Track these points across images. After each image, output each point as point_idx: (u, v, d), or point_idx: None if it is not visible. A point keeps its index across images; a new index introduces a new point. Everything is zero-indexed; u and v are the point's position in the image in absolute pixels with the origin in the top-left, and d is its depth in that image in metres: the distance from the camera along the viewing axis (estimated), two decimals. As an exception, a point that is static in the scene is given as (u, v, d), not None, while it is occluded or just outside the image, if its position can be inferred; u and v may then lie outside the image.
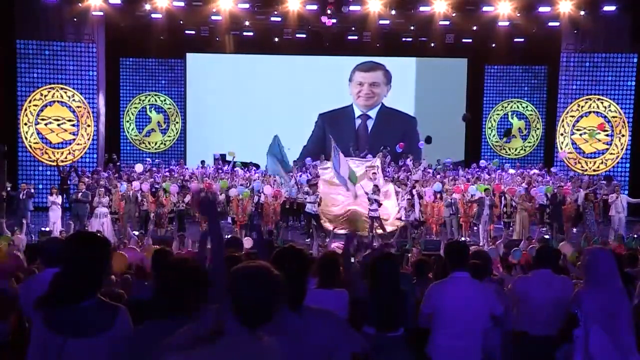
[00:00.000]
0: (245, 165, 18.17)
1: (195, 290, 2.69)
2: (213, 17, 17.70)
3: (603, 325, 3.83)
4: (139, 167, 15.61)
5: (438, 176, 16.78)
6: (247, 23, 18.69)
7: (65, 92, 17.78)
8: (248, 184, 15.78)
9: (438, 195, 14.52)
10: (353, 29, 18.27)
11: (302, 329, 2.71)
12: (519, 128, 21.48)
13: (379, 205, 14.05)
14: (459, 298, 4.02)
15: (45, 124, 17.73)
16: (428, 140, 17.96)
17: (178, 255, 6.56)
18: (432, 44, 19.47)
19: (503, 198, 14.68)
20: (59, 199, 14.13)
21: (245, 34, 19.21)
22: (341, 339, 2.83)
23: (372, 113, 21.17)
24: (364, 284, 4.13)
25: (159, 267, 3.91)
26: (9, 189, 14.90)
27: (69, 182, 15.86)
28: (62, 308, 2.64)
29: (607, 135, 18.55)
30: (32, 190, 14.62)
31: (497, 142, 21.48)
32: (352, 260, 5.74)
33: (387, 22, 17.69)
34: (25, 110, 17.60)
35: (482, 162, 18.89)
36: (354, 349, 2.91)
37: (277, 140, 15.03)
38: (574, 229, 15.21)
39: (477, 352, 4.06)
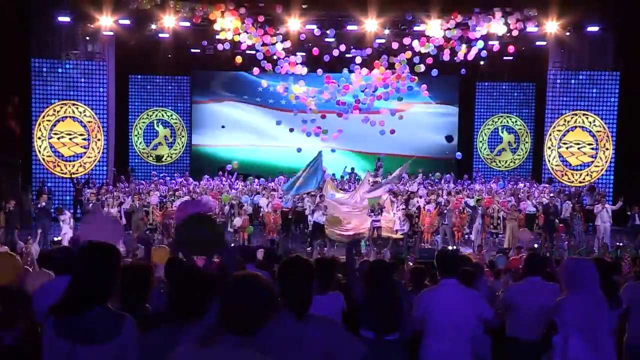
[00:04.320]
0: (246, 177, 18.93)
1: (205, 297, 2.82)
2: (217, 36, 18.33)
3: (584, 332, 3.90)
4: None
5: (430, 187, 17.48)
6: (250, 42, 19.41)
7: (77, 108, 18.35)
8: (250, 195, 16.63)
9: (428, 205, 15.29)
10: (352, 47, 18.97)
11: (305, 336, 2.77)
12: (509, 142, 22.25)
13: (381, 215, 14.63)
14: (447, 303, 4.16)
15: (58, 138, 18.29)
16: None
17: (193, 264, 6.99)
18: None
19: (491, 209, 15.44)
20: (67, 215, 14.39)
21: (248, 52, 19.90)
22: (342, 346, 2.86)
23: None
24: (361, 289, 4.33)
25: (174, 275, 4.04)
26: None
27: (82, 195, 16.42)
28: (72, 315, 2.68)
29: (592, 148, 19.16)
30: (44, 204, 15.01)
31: (488, 155, 22.25)
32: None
33: (383, 40, 18.39)
34: (39, 125, 18.15)
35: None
36: (354, 356, 2.91)
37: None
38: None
39: (467, 356, 4.17)
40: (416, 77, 17.67)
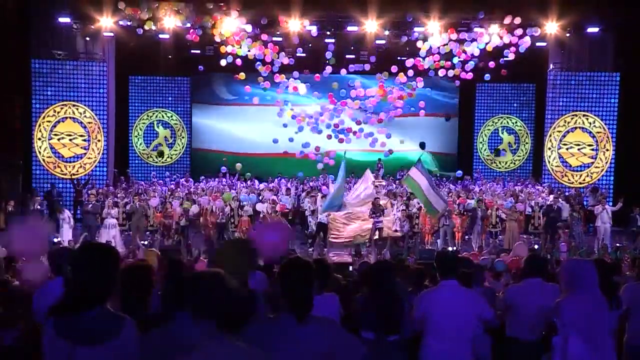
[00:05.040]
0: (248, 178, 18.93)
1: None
2: (217, 38, 18.40)
3: (584, 333, 3.92)
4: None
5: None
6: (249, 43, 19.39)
7: (77, 109, 18.33)
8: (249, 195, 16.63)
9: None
10: (352, 48, 19.03)
11: (305, 336, 2.77)
12: (509, 142, 22.28)
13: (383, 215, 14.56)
14: (447, 304, 4.16)
15: (58, 139, 18.28)
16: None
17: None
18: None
19: (490, 210, 15.42)
20: (66, 214, 14.40)
21: (248, 53, 19.87)
22: (342, 347, 2.87)
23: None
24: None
25: (174, 277, 3.95)
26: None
27: (82, 196, 16.31)
28: (72, 316, 2.68)
29: (592, 149, 19.14)
30: (38, 206, 14.99)
31: (488, 156, 22.25)
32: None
33: (383, 42, 18.39)
34: (39, 126, 18.15)
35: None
36: (355, 356, 2.92)
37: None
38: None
39: (468, 356, 4.17)
40: (414, 93, 17.71)
